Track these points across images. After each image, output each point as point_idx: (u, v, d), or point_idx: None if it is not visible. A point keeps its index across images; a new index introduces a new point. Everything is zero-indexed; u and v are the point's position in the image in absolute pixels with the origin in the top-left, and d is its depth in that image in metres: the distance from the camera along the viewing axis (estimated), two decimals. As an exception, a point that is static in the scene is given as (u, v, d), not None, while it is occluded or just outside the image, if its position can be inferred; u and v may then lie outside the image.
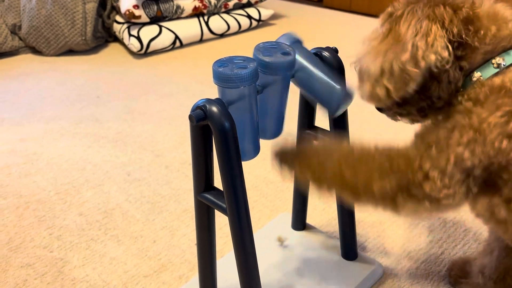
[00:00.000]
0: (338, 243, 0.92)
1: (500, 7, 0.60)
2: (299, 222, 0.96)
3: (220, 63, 0.61)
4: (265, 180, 1.15)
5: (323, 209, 1.05)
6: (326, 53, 0.73)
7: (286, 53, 0.65)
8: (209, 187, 0.68)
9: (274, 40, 0.69)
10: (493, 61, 0.59)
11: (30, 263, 0.93)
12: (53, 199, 1.11)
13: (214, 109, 0.59)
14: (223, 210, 0.66)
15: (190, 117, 0.59)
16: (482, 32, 0.58)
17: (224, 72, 0.59)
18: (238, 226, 0.64)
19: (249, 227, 0.65)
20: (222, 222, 1.00)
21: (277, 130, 0.70)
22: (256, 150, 0.66)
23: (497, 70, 0.58)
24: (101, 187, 1.16)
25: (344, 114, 0.76)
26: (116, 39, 2.11)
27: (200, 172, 0.67)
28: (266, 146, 1.29)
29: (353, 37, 2.11)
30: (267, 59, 0.63)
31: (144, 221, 1.04)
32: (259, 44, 0.67)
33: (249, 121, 0.64)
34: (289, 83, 0.68)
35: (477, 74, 0.59)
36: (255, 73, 0.60)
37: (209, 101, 0.60)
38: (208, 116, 0.59)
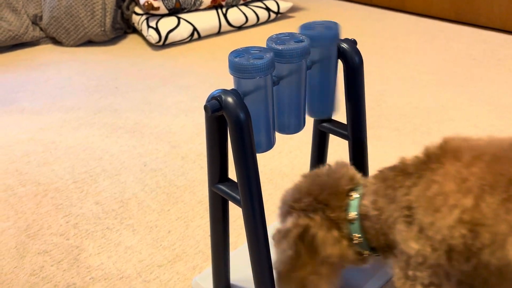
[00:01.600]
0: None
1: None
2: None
3: (236, 53, 0.61)
4: (280, 173, 1.15)
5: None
6: (344, 45, 0.72)
7: (299, 41, 0.64)
8: (223, 178, 0.68)
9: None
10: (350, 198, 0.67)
11: (47, 250, 0.95)
12: (70, 188, 1.13)
13: (230, 99, 0.59)
14: (237, 202, 0.66)
15: (205, 107, 0.59)
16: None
17: (240, 62, 0.59)
18: (252, 217, 0.64)
19: (262, 219, 0.65)
20: (236, 215, 1.00)
21: (297, 124, 0.69)
22: (270, 143, 0.65)
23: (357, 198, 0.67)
24: (118, 177, 1.17)
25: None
26: (135, 31, 2.12)
27: (215, 163, 0.67)
28: (283, 139, 1.29)
29: (373, 31, 2.08)
30: (280, 47, 0.63)
31: (159, 211, 1.05)
32: (272, 35, 0.67)
33: (265, 113, 0.63)
34: (305, 74, 0.67)
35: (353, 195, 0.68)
36: (271, 63, 0.59)
37: (224, 91, 0.60)
38: (224, 106, 0.59)
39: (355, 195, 0.67)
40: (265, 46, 0.64)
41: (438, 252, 0.55)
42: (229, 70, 0.60)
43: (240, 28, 2.09)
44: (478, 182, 0.52)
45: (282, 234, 0.68)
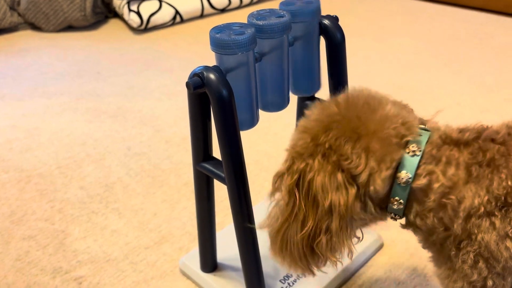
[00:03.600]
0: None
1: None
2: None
3: (217, 29, 0.60)
4: (266, 154, 1.15)
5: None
6: (326, 22, 0.72)
7: (280, 16, 0.64)
8: (207, 157, 0.68)
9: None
10: (408, 150, 0.52)
11: (32, 235, 0.94)
12: (54, 173, 1.12)
13: (212, 76, 0.58)
14: (221, 179, 0.66)
15: (187, 84, 0.58)
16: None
17: (221, 38, 0.58)
18: (236, 194, 0.64)
19: (247, 195, 0.65)
20: (222, 196, 1.00)
21: (281, 102, 0.69)
22: (253, 120, 0.65)
23: (418, 157, 0.52)
24: (102, 162, 1.16)
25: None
26: (116, 15, 2.09)
27: (199, 142, 0.67)
28: (268, 120, 1.28)
29: (357, 12, 2.08)
30: (260, 22, 0.62)
31: (144, 194, 1.04)
32: (253, 12, 0.66)
33: (247, 90, 0.63)
34: (287, 50, 0.67)
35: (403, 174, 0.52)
36: (252, 39, 0.59)
37: (206, 68, 0.59)
38: (206, 83, 0.58)
39: (413, 148, 0.52)
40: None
41: None
42: (211, 46, 0.60)
43: (223, 11, 2.07)
44: None
45: (274, 182, 0.57)
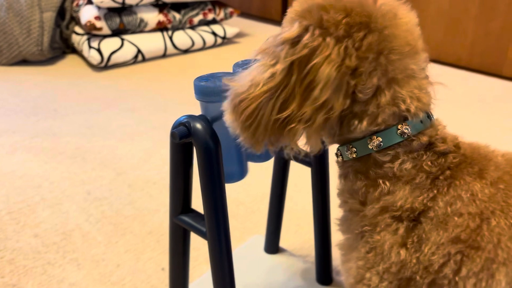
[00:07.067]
0: (312, 267, 0.89)
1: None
2: (272, 245, 0.92)
3: (202, 78, 0.58)
4: (235, 201, 1.11)
5: (295, 231, 1.02)
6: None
7: None
8: (187, 209, 0.64)
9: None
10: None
11: (-22, 291, 0.85)
12: (4, 219, 1.03)
13: (198, 126, 0.55)
14: (202, 234, 0.62)
15: (173, 133, 0.55)
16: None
17: (206, 86, 0.56)
18: (218, 250, 0.60)
19: (228, 251, 0.61)
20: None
21: (267, 152, 0.66)
22: (242, 172, 0.62)
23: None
24: (59, 207, 1.08)
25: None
26: (74, 51, 2.03)
27: (179, 193, 0.63)
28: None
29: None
30: None
31: (106, 243, 0.97)
32: (238, 61, 0.65)
33: (234, 140, 0.60)
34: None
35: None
36: None
37: (192, 117, 0.56)
38: (192, 133, 0.55)
39: (406, 129, 0.51)
40: (212, 70, 0.62)
41: (417, 267, 0.51)
42: (196, 95, 0.57)
43: (186, 51, 2.06)
44: (492, 205, 0.50)
45: (277, 43, 0.49)
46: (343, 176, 0.57)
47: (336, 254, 0.93)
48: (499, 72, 1.87)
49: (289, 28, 0.50)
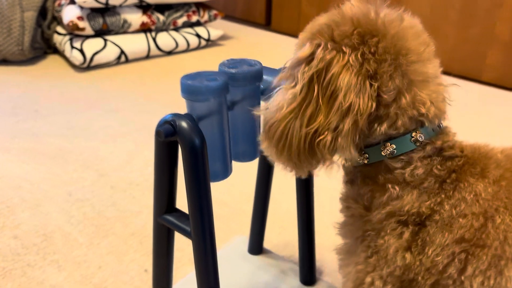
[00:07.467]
0: (296, 267, 0.89)
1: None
2: (256, 245, 0.92)
3: (189, 77, 0.58)
4: (220, 202, 1.11)
5: (279, 232, 1.02)
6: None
7: (251, 65, 0.63)
8: (171, 208, 0.64)
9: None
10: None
11: (-45, 293, 0.83)
12: (-17, 221, 1.01)
13: (184, 124, 0.55)
14: (186, 233, 0.61)
15: (158, 132, 0.55)
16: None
17: (193, 85, 0.56)
18: (203, 250, 0.60)
19: (213, 251, 0.61)
20: (174, 246, 0.94)
21: (253, 152, 0.67)
22: (226, 171, 0.62)
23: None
24: (39, 208, 1.06)
25: None
26: (56, 51, 2.00)
27: (163, 192, 0.62)
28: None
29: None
30: (232, 70, 0.61)
31: (88, 245, 0.96)
32: (224, 61, 0.65)
33: (221, 139, 0.60)
34: (259, 99, 0.65)
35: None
36: (225, 85, 0.57)
37: (178, 115, 0.56)
38: (178, 131, 0.55)
39: (420, 137, 0.52)
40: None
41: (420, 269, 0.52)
42: (182, 93, 0.57)
43: (170, 53, 2.05)
44: (495, 203, 0.50)
45: (293, 65, 0.51)
46: (350, 181, 0.57)
47: (319, 255, 0.94)
48: (478, 77, 1.90)
49: (301, 49, 0.52)
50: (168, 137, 0.55)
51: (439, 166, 0.52)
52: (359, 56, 0.49)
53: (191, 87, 0.56)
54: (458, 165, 0.53)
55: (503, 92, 1.83)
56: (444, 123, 0.56)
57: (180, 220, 0.62)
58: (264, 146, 0.54)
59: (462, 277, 0.50)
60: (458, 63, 1.93)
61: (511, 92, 1.83)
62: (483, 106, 1.71)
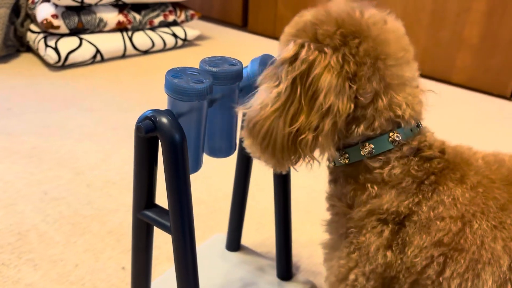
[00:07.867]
0: (273, 263, 0.90)
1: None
2: (234, 242, 0.93)
3: (174, 73, 0.58)
4: (197, 200, 1.12)
5: (256, 229, 1.04)
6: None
7: (232, 64, 0.64)
8: (150, 204, 0.64)
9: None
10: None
11: None
12: (-45, 220, 0.99)
13: (164, 120, 0.56)
14: (166, 229, 0.62)
15: (138, 127, 0.55)
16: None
17: (179, 85, 0.56)
18: (182, 244, 0.61)
19: (193, 246, 0.62)
20: (152, 244, 0.94)
21: (229, 147, 0.68)
22: (197, 165, 0.63)
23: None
24: (14, 207, 1.05)
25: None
26: (29, 49, 1.97)
27: (142, 188, 0.63)
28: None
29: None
30: (214, 69, 0.62)
31: (64, 243, 0.96)
32: (205, 58, 0.66)
33: (197, 135, 0.61)
34: (237, 98, 0.66)
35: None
36: (210, 88, 0.58)
37: (158, 111, 0.57)
38: (158, 127, 0.56)
39: (397, 137, 0.54)
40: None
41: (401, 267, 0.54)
42: (166, 89, 0.58)
43: (146, 52, 2.04)
44: (472, 208, 0.52)
45: (277, 64, 0.53)
46: (333, 181, 0.59)
47: (295, 251, 0.96)
48: (448, 79, 1.96)
49: (285, 48, 0.53)
50: (149, 133, 0.55)
51: (416, 167, 0.54)
52: (339, 58, 0.51)
53: (177, 86, 0.56)
54: (438, 168, 0.54)
55: (472, 93, 1.89)
56: (423, 124, 0.57)
57: (160, 215, 0.63)
58: (248, 144, 0.55)
59: (441, 279, 0.52)
60: (429, 65, 1.99)
61: (480, 93, 1.89)
62: (453, 106, 1.76)
